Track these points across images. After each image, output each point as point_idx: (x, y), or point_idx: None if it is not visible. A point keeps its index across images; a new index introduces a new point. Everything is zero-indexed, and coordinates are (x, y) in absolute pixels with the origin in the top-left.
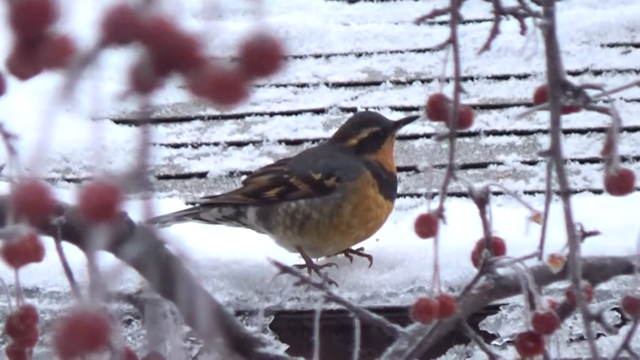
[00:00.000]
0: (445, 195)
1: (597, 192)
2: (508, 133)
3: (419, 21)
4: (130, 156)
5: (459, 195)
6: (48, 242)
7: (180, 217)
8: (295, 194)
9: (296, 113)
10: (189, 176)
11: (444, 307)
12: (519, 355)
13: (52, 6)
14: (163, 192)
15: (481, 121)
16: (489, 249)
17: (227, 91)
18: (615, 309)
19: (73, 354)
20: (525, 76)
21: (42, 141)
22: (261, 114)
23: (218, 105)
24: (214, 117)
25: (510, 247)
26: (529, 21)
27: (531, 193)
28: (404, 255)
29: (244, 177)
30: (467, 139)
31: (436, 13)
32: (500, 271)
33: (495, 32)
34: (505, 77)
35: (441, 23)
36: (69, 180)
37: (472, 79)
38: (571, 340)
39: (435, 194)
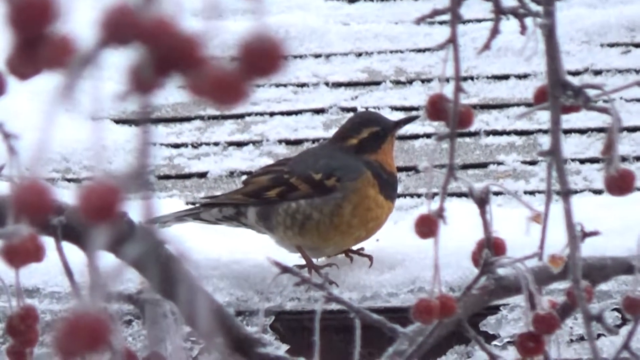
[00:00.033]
0: (446, 196)
1: (598, 192)
2: (508, 133)
3: (419, 21)
4: (131, 156)
5: (459, 195)
6: (48, 242)
7: (180, 217)
8: (295, 194)
9: (296, 113)
10: (189, 176)
11: (444, 308)
12: (519, 355)
13: (52, 6)
14: (163, 192)
15: (481, 121)
16: (490, 249)
17: (227, 91)
18: (615, 309)
19: (73, 354)
20: (525, 76)
21: (42, 141)
22: (261, 114)
23: (218, 106)
24: (214, 117)
25: (510, 247)
26: (529, 21)
27: (531, 193)
28: (405, 256)
29: (244, 177)
30: (467, 139)
31: (436, 13)
32: (501, 271)
33: (495, 31)
34: (506, 77)
35: (441, 23)
36: (69, 180)
37: (472, 78)
38: (572, 340)
39: (435, 194)
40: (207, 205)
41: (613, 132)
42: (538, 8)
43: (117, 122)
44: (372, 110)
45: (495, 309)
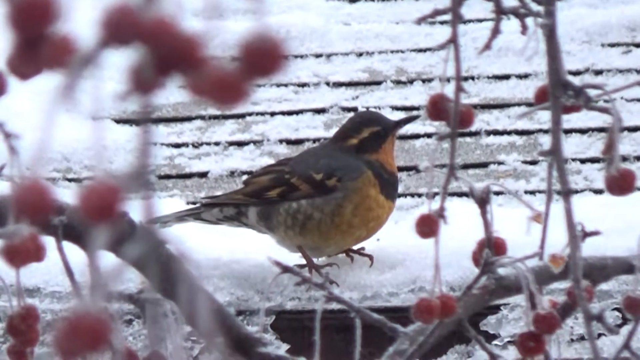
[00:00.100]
0: (446, 195)
1: (598, 192)
2: (509, 133)
3: (420, 21)
4: (131, 156)
5: (460, 195)
6: (49, 241)
7: (181, 217)
8: (296, 194)
9: (297, 113)
10: (189, 176)
11: (445, 307)
12: (520, 355)
13: (53, 6)
14: (164, 191)
15: (482, 121)
16: (490, 248)
17: (227, 91)
18: (616, 308)
19: (74, 354)
20: (526, 76)
21: (43, 141)
22: (262, 114)
23: (219, 106)
24: (215, 117)
25: (511, 247)
26: (529, 21)
27: (532, 193)
28: (405, 255)
29: (244, 177)
30: (468, 139)
31: (437, 13)
32: (501, 271)
33: (496, 31)
34: (506, 77)
35: (442, 23)
36: (69, 180)
37: (472, 78)
38: (572, 340)
39: (436, 194)
40: (208, 205)
41: (614, 132)
42: (539, 8)
43: (118, 121)
44: (373, 110)
45: (496, 309)
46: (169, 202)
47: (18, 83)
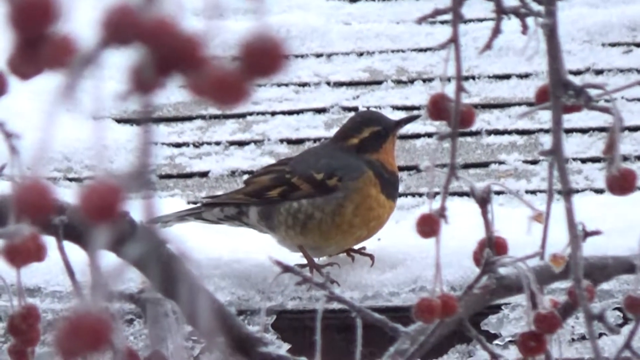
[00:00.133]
0: (447, 195)
1: (599, 191)
2: (510, 132)
3: (421, 20)
4: (132, 155)
5: (461, 194)
6: (50, 241)
7: (182, 216)
8: (297, 193)
9: (298, 112)
10: (190, 175)
11: (445, 307)
12: (521, 354)
13: (53, 6)
14: (164, 191)
15: (483, 120)
16: (491, 248)
17: (228, 91)
18: (617, 308)
19: (75, 354)
20: (526, 75)
21: (43, 141)
22: (263, 113)
23: (219, 105)
24: (216, 117)
25: (512, 247)
26: (530, 20)
27: (533, 192)
28: (406, 255)
29: (245, 177)
30: (468, 139)
31: (437, 12)
32: (502, 271)
33: (496, 31)
34: (507, 77)
35: (443, 22)
36: (70, 180)
37: (473, 78)
38: (573, 339)
39: (437, 194)
40: (208, 204)
41: (615, 131)
42: (539, 7)
43: (119, 121)
44: (374, 109)
45: (497, 308)
46: (170, 202)
47: (19, 83)
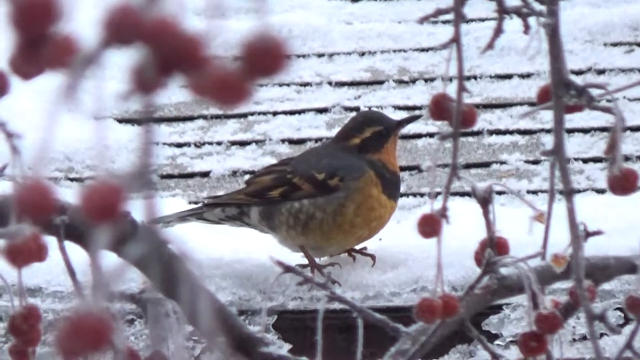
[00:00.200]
0: (449, 195)
1: (601, 191)
2: (511, 132)
3: (423, 20)
4: (133, 155)
5: (462, 194)
6: (51, 241)
7: (183, 217)
8: (298, 193)
9: (299, 112)
10: (191, 175)
11: (447, 307)
12: (522, 355)
13: (55, 6)
14: (166, 191)
15: (484, 120)
16: (492, 248)
17: (229, 91)
18: (618, 308)
19: (76, 354)
20: (528, 75)
21: (45, 140)
22: (264, 113)
23: (221, 105)
24: (217, 116)
25: (513, 247)
26: (532, 20)
27: (534, 192)
28: (407, 255)
29: (247, 177)
30: (470, 138)
31: (439, 12)
32: (504, 271)
33: (498, 31)
34: (509, 76)
35: (444, 22)
36: (71, 180)
37: (475, 78)
38: (574, 340)
39: (438, 194)
40: (210, 205)
41: (616, 131)
42: (541, 7)
43: (120, 121)
44: (375, 109)
45: (498, 309)
46: (171, 202)
47: (20, 83)
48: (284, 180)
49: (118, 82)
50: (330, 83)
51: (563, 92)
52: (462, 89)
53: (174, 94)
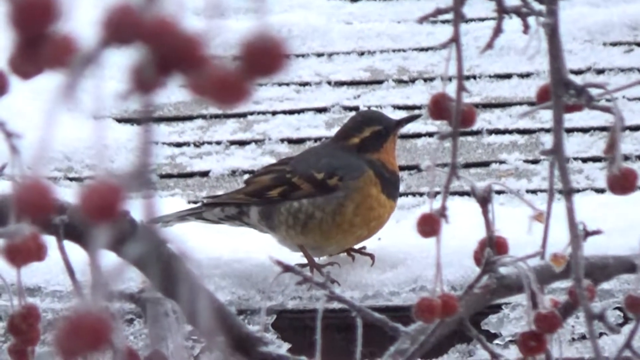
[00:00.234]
0: (448, 194)
1: (600, 191)
2: (510, 132)
3: (422, 20)
4: (132, 155)
5: (462, 194)
6: (50, 241)
7: (182, 216)
8: (297, 193)
9: (298, 112)
10: (191, 175)
11: (446, 306)
12: (521, 354)
13: (54, 5)
14: (165, 191)
15: (484, 120)
16: (492, 248)
17: (229, 91)
18: (617, 308)
19: (75, 353)
20: (527, 75)
21: (44, 140)
22: (263, 113)
23: (220, 105)
24: (216, 116)
25: (512, 246)
26: (531, 20)
27: (534, 192)
28: (406, 254)
29: (246, 176)
30: (469, 138)
31: (439, 12)
32: (503, 270)
33: (498, 30)
34: (508, 76)
35: (444, 22)
36: (71, 179)
37: (474, 77)
38: (573, 339)
39: (437, 193)
40: (209, 204)
41: (616, 131)
42: (541, 7)
43: (119, 121)
44: (375, 109)
45: (497, 308)
46: (170, 202)
47: (19, 82)
48: (283, 179)
49: (117, 82)
50: (329, 83)
51: (562, 92)
52: (461, 88)
53: (173, 93)
